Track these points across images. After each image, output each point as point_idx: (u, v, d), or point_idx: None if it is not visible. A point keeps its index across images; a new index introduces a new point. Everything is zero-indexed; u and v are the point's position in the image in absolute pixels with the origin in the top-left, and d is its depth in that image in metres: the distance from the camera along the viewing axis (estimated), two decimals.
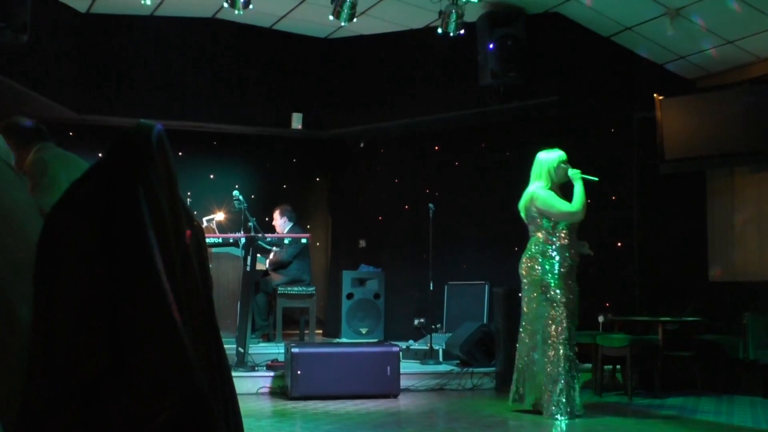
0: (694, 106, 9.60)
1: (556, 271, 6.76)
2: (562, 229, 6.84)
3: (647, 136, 9.74)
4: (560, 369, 6.65)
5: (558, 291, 6.73)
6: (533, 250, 6.89)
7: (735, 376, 8.47)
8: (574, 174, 6.94)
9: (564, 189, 7.05)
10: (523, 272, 6.94)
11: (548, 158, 7.03)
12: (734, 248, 9.63)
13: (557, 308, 6.71)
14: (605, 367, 8.52)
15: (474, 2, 8.78)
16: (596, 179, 7.01)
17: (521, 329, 6.98)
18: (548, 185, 6.93)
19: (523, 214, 7.04)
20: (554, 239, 6.83)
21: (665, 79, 9.96)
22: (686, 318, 8.64)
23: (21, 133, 4.43)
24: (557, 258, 6.79)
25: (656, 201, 9.92)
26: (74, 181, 0.94)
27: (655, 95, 9.58)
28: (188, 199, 10.06)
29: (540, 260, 6.81)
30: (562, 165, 6.99)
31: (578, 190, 6.88)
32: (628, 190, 9.97)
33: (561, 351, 6.66)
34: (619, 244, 9.91)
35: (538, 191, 6.92)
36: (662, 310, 9.07)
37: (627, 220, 9.87)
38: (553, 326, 6.70)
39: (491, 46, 9.43)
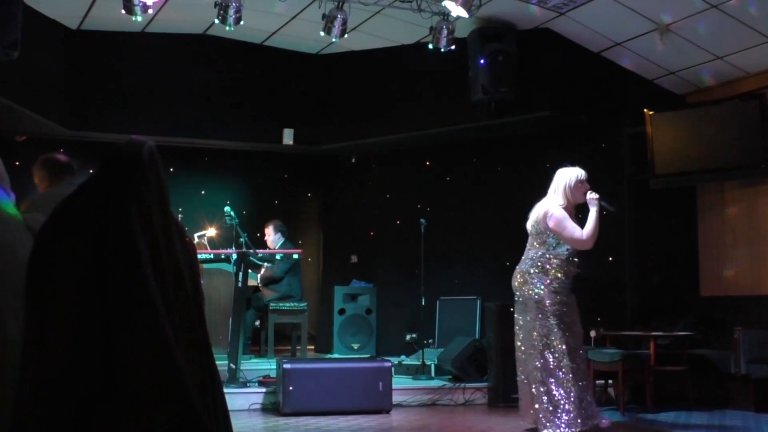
0: (685, 121, 9.64)
1: (552, 285, 6.64)
2: (567, 247, 6.74)
3: (638, 151, 9.77)
4: (563, 383, 6.56)
5: (553, 305, 6.60)
6: (531, 263, 6.74)
7: (727, 391, 8.46)
8: (591, 199, 6.71)
9: (582, 208, 6.88)
10: (517, 285, 6.79)
11: (566, 175, 6.80)
12: (725, 263, 9.65)
13: (553, 321, 6.62)
14: (597, 381, 8.52)
15: (465, 18, 8.81)
16: (613, 209, 6.79)
17: (517, 343, 6.87)
18: (564, 204, 6.72)
19: (530, 225, 6.84)
20: (556, 255, 6.69)
21: (655, 94, 10.00)
22: (678, 332, 8.65)
23: (54, 166, 4.93)
24: (555, 273, 6.66)
25: (647, 216, 9.95)
26: (65, 197, 0.94)
27: (645, 110, 9.62)
28: (180, 215, 10.05)
29: (536, 274, 6.68)
30: (580, 184, 6.76)
31: (591, 217, 6.66)
32: (619, 205, 9.99)
33: (563, 363, 6.58)
34: (611, 258, 9.92)
35: (553, 209, 6.69)
36: (654, 324, 9.08)
37: (618, 234, 9.88)
38: (549, 339, 6.61)
39: (482, 61, 9.46)
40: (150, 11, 8.68)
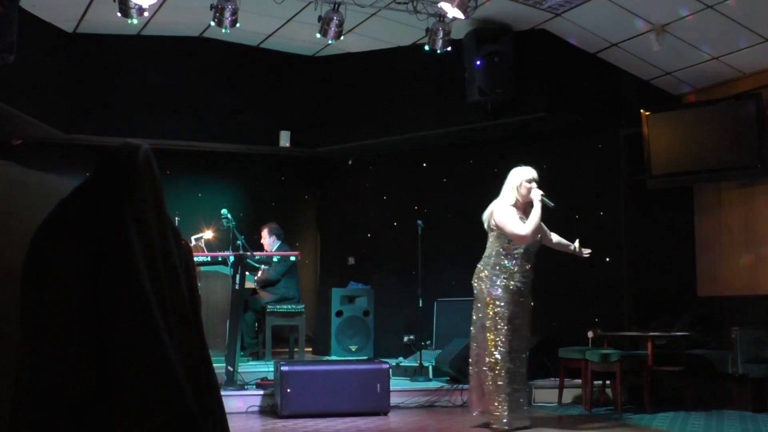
0: (681, 121, 9.65)
1: (506, 285, 6.82)
2: (519, 245, 6.89)
3: (634, 152, 9.78)
4: (501, 382, 6.72)
5: (503, 304, 6.79)
6: (486, 261, 6.96)
7: (724, 391, 8.47)
8: (535, 195, 6.92)
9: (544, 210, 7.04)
10: (474, 282, 7.03)
11: (515, 175, 7.09)
12: (722, 262, 9.65)
13: (501, 321, 6.77)
14: (595, 382, 8.52)
15: (461, 19, 8.81)
16: (552, 204, 6.95)
17: (471, 339, 7.09)
18: (513, 202, 6.97)
19: (485, 225, 7.09)
20: (510, 254, 6.88)
21: (651, 94, 10.01)
22: (675, 333, 8.65)
23: None
24: (509, 272, 6.85)
25: (644, 216, 9.96)
26: (59, 202, 0.94)
27: (641, 111, 9.63)
28: (176, 218, 10.04)
29: (492, 272, 6.88)
30: (525, 183, 6.98)
31: (533, 212, 6.89)
32: (615, 206, 10.00)
33: (502, 364, 6.72)
34: (608, 259, 9.92)
35: (499, 206, 6.98)
36: (651, 325, 9.08)
37: (615, 235, 9.89)
38: (495, 339, 6.75)
39: (478, 62, 9.47)
40: (146, 14, 8.67)
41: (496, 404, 6.72)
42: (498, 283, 6.82)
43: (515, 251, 6.89)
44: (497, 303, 6.79)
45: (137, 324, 0.88)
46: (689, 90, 10.01)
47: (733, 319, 8.91)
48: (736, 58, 9.09)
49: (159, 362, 0.89)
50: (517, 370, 6.81)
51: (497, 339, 6.75)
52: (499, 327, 6.77)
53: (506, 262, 6.86)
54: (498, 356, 6.72)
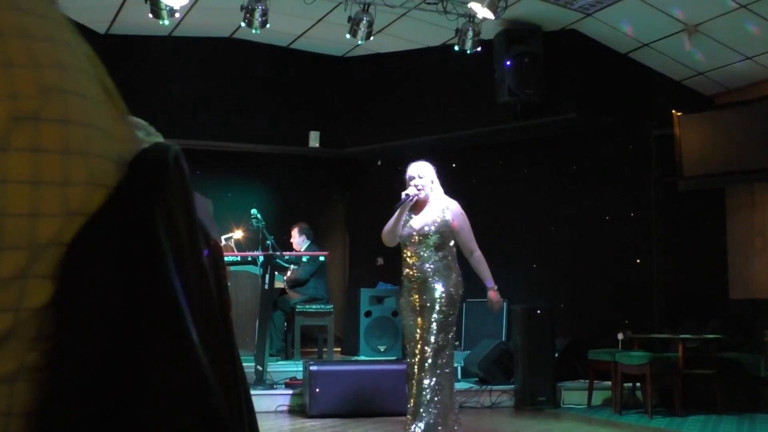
0: (713, 122, 9.56)
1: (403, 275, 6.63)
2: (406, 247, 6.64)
3: (665, 153, 9.71)
4: None
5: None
6: None
7: (756, 395, 8.39)
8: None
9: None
10: None
11: None
12: (755, 265, 9.56)
13: None
14: (625, 384, 8.47)
15: (491, 20, 8.79)
16: (401, 203, 6.90)
17: None
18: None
19: None
20: (404, 246, 6.69)
21: (683, 95, 9.93)
22: (706, 335, 8.57)
23: None
24: (403, 264, 6.67)
25: (675, 218, 9.88)
26: None
27: (673, 112, 9.55)
28: None
29: None
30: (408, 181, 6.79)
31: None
32: (646, 207, 9.93)
33: None
34: (638, 261, 9.86)
35: None
36: (682, 327, 9.01)
37: (646, 237, 9.82)
38: None
39: (508, 63, 9.43)
40: (177, 15, 8.73)
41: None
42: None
43: (403, 244, 6.66)
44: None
45: (167, 325, 0.89)
46: (722, 90, 9.90)
47: (766, 322, 8.81)
48: None
49: (189, 363, 0.89)
50: (410, 369, 6.34)
51: None
52: None
53: (403, 253, 6.61)
54: None
